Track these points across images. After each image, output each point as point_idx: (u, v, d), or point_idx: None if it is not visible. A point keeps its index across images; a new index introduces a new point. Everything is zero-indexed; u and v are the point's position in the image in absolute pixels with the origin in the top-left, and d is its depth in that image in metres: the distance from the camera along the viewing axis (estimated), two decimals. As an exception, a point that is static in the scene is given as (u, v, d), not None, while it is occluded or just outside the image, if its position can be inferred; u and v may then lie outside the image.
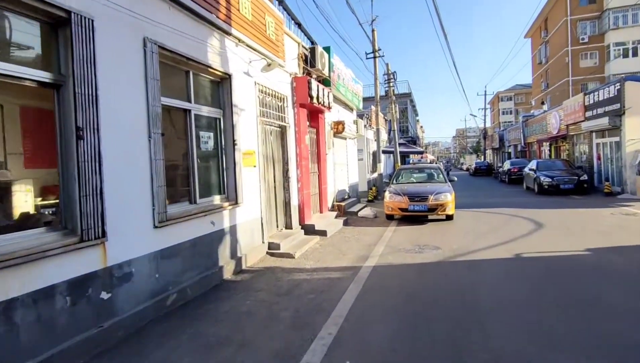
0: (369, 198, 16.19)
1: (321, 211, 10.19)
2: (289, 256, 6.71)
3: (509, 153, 37.88)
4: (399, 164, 18.25)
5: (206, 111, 5.54)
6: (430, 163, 24.69)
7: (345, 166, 13.55)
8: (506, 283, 5.12)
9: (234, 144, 5.91)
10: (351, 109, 14.64)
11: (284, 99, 8.06)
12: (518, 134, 31.99)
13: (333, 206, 11.18)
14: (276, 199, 7.64)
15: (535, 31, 43.55)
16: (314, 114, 10.06)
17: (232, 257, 5.81)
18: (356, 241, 8.03)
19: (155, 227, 4.17)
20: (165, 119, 4.55)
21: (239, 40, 6.12)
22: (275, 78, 7.62)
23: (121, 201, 3.78)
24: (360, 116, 16.50)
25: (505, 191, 18.81)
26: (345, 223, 10.12)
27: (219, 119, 5.87)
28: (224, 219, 5.63)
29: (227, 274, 5.57)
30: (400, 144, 19.84)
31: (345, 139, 13.48)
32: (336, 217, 10.32)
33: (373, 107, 18.52)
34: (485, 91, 45.99)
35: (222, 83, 5.93)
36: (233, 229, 5.86)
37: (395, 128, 18.26)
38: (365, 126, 17.14)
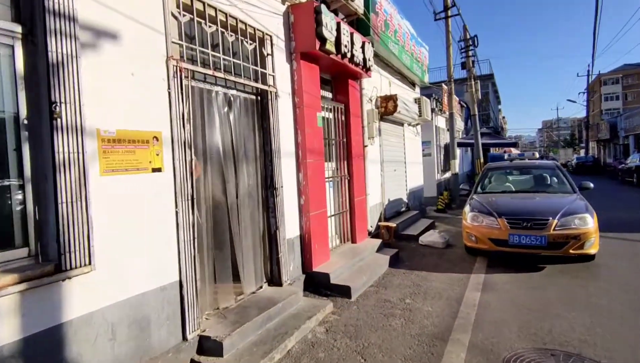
0: (439, 207, 11.78)
1: (354, 241, 6.20)
2: (234, 378, 2.89)
3: (625, 145, 29.96)
4: (481, 160, 13.44)
5: None
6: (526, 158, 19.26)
7: (403, 164, 9.35)
8: None
9: (54, 116, 2.24)
10: (411, 84, 10.34)
11: (264, 40, 4.24)
12: (643, 119, 24.54)
13: (379, 228, 7.11)
14: (238, 232, 3.85)
15: (659, -10, 34.24)
16: (341, 81, 6.09)
17: (37, 421, 2.15)
18: (406, 321, 3.92)
19: None
20: None
21: None
22: (238, -6, 3.84)
23: None
24: (427, 96, 12.07)
25: (644, 199, 12.98)
26: (395, 262, 6.01)
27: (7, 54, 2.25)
28: (-9, 327, 1.99)
29: None
30: (482, 135, 14.91)
31: (401, 125, 9.28)
32: (379, 250, 6.25)
33: (445, 86, 13.90)
34: (589, 71, 37.49)
35: (26, -44, 2.30)
36: (40, 341, 2.21)
37: (476, 112, 13.45)
38: (433, 109, 12.67)
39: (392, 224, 7.13)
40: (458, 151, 14.06)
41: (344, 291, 4.57)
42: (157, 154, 2.92)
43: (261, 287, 4.18)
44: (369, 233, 6.78)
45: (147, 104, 2.86)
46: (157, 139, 2.93)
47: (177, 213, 3.06)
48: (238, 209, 3.86)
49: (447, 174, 15.02)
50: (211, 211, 3.61)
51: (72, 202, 2.30)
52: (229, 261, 3.76)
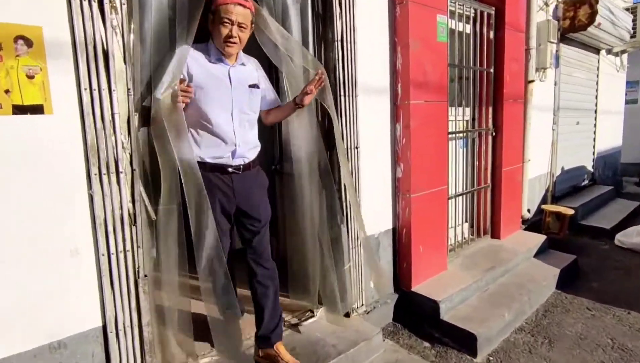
0: (644, 180, 7.93)
1: (496, 235, 3.88)
2: None
3: None
4: None
5: None
6: None
7: (592, 113, 6.11)
8: None
9: None
10: (621, -14, 6.54)
11: None
12: None
13: (542, 215, 4.53)
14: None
15: None
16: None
17: None
18: None
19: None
20: None
21: None
22: None
23: None
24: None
25: None
26: (569, 279, 3.52)
27: None
28: None
29: None
30: None
31: (596, 51, 5.92)
32: (540, 254, 3.78)
33: (675, -6, 8.98)
34: None
35: None
36: None
37: None
38: (652, 30, 8.27)
39: (567, 209, 4.45)
40: (687, 96, 9.18)
41: (462, 340, 2.53)
42: (31, 77, 1.38)
43: (311, 316, 2.50)
44: (524, 222, 4.31)
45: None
46: (30, 43, 1.37)
47: (91, 197, 1.53)
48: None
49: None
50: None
51: None
52: (230, 277, 2.15)
